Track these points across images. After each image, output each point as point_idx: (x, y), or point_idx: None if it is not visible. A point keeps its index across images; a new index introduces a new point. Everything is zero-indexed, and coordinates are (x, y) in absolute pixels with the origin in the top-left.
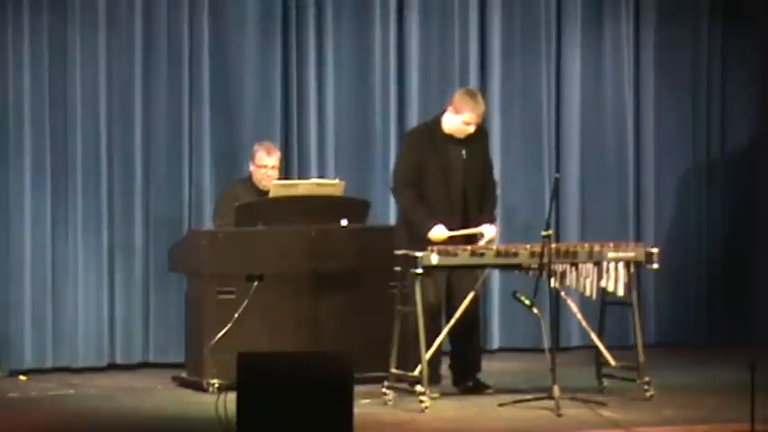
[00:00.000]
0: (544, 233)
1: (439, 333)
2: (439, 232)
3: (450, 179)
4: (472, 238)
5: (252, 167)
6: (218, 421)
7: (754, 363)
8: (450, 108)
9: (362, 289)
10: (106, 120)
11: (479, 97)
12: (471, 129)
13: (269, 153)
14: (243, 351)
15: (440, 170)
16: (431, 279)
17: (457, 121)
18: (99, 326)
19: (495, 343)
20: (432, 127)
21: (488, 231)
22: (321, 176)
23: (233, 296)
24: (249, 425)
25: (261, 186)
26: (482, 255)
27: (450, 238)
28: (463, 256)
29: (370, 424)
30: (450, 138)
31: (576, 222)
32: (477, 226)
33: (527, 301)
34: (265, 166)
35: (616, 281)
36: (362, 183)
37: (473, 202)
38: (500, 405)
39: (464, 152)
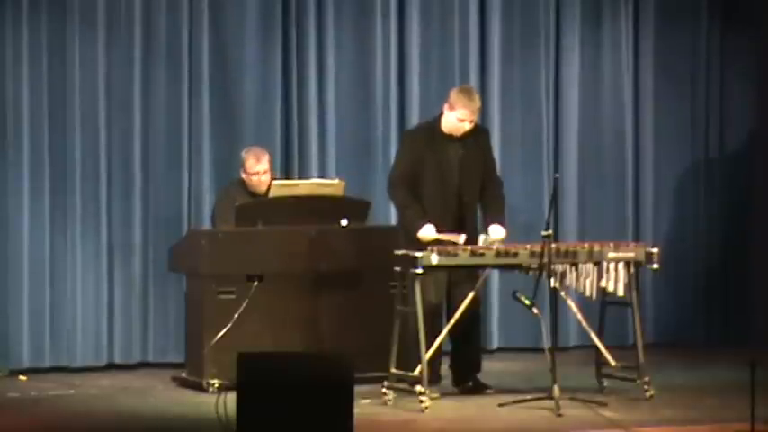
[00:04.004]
0: (544, 233)
1: (440, 333)
2: (427, 232)
3: (447, 177)
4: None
5: (243, 175)
6: (218, 421)
7: (754, 363)
8: (446, 105)
9: (362, 289)
10: (105, 120)
11: (474, 94)
12: (466, 126)
13: (258, 159)
14: (243, 351)
15: (436, 168)
16: (431, 278)
17: (452, 119)
18: (98, 326)
19: (495, 343)
20: (432, 126)
21: (496, 232)
22: (321, 177)
23: (233, 296)
24: (249, 425)
25: (256, 191)
26: (482, 255)
27: (437, 240)
28: (463, 256)
29: (370, 424)
30: (450, 137)
31: (575, 222)
32: (484, 225)
33: (527, 301)
34: (257, 173)
35: (616, 281)
36: (363, 183)
37: (469, 202)
38: (500, 405)
39: (462, 151)
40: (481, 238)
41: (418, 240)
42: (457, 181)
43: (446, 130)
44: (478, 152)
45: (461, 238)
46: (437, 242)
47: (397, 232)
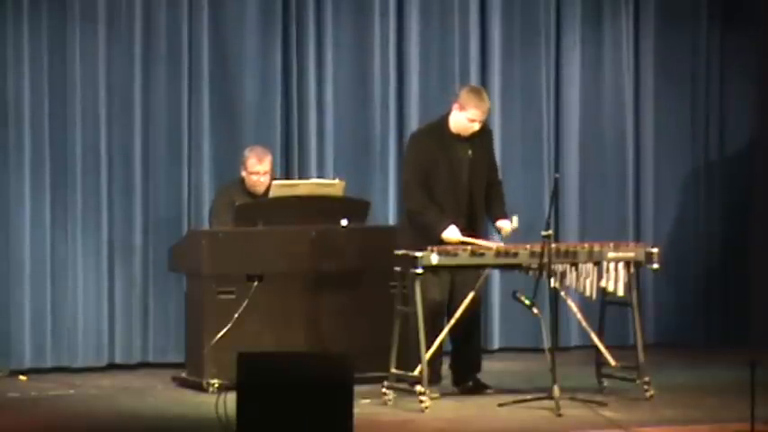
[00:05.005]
0: (544, 233)
1: (442, 331)
2: (453, 233)
3: (458, 178)
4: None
5: (244, 173)
6: (218, 421)
7: (754, 363)
8: (455, 105)
9: (363, 289)
10: (106, 119)
11: (484, 94)
12: (476, 126)
13: (260, 160)
14: (243, 351)
15: (448, 169)
16: (435, 277)
17: (462, 119)
18: (98, 326)
19: (496, 343)
20: (440, 126)
21: (505, 225)
22: (321, 176)
23: (233, 296)
24: (249, 425)
25: (255, 191)
26: (482, 255)
27: (462, 242)
28: (463, 256)
29: (370, 424)
30: (458, 137)
31: (576, 222)
32: (491, 222)
33: (527, 301)
34: (257, 172)
35: (616, 281)
36: (362, 183)
37: (478, 201)
38: (500, 405)
39: (470, 151)
40: (508, 222)
41: (440, 241)
42: (467, 180)
43: (455, 129)
44: (484, 152)
45: (494, 245)
46: (463, 243)
47: (397, 232)
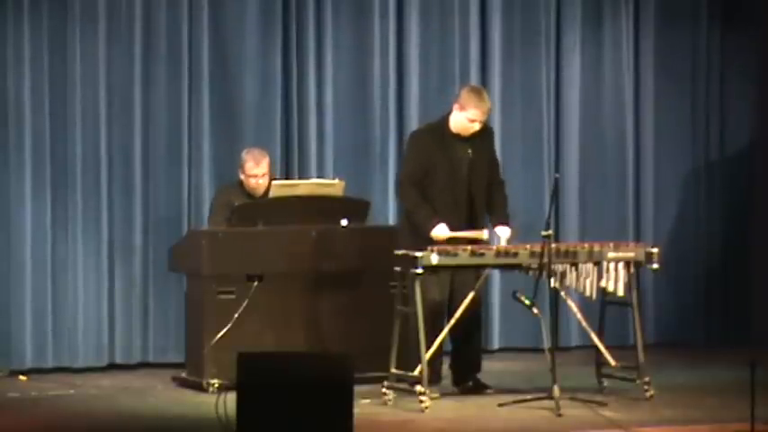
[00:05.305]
0: (544, 233)
1: (442, 331)
2: (441, 231)
3: (457, 178)
4: (474, 240)
5: (242, 176)
6: (218, 421)
7: (754, 363)
8: (456, 105)
9: (363, 289)
10: (106, 119)
11: (485, 95)
12: (476, 126)
13: (257, 163)
14: (243, 351)
15: (447, 169)
16: (435, 277)
17: (462, 119)
18: (99, 326)
19: (496, 343)
20: (440, 126)
21: (503, 233)
22: (321, 176)
23: (233, 296)
24: (249, 425)
25: (254, 194)
26: (482, 255)
27: (450, 239)
28: (463, 256)
29: (370, 424)
30: (458, 136)
31: (576, 222)
32: (491, 226)
33: (527, 301)
34: (255, 175)
35: (616, 281)
36: (362, 183)
37: (478, 201)
38: (500, 405)
39: (470, 151)
40: (494, 237)
41: (429, 239)
42: (466, 180)
43: (455, 129)
44: (485, 152)
45: (485, 233)
46: (452, 240)
47: (397, 232)
